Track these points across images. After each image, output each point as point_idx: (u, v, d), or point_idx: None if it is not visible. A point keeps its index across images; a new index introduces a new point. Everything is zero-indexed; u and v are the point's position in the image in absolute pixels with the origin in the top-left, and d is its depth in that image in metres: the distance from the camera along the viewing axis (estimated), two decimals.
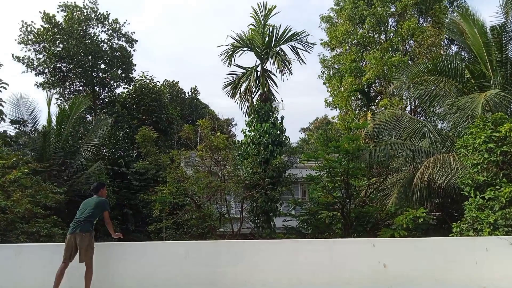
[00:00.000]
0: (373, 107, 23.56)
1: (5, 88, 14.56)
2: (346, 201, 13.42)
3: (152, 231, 15.38)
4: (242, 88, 16.12)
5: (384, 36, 25.02)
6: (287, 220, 14.51)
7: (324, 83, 26.63)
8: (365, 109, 23.70)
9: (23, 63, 26.33)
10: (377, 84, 25.10)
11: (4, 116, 15.98)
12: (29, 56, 26.49)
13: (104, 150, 27.24)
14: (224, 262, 6.37)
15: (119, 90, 29.71)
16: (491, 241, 6.37)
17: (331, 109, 26.46)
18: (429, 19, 24.66)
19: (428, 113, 18.94)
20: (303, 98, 77.70)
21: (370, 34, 24.77)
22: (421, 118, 21.05)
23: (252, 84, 15.81)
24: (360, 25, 24.84)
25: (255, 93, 16.14)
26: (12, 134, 17.64)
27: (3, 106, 15.60)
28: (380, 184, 13.94)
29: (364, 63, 24.83)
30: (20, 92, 17.72)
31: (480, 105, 9.80)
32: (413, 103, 23.20)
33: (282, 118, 16.09)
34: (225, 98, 76.83)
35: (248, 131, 15.65)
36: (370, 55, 22.83)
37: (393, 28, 24.74)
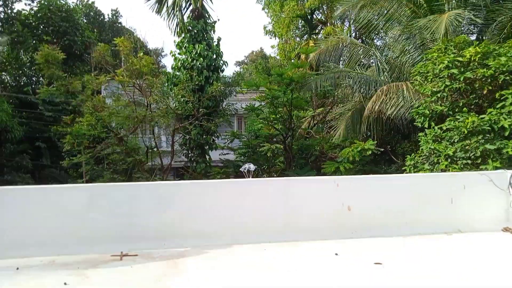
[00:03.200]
0: (314, 37, 22.05)
1: None
2: (288, 133, 12.30)
3: (68, 167, 13.27)
4: (170, 1, 13.41)
5: None
6: (224, 154, 13.16)
7: (263, 9, 24.37)
8: (306, 37, 22.11)
9: None
10: (319, 13, 23.42)
11: None
12: None
13: (8, 78, 23.18)
14: (144, 210, 4.78)
15: (19, 7, 24.61)
16: (469, 177, 5.54)
17: (270, 38, 24.62)
18: None
19: (372, 45, 18.07)
20: (238, 29, 73.91)
21: None
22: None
23: None
24: None
25: (185, 8, 13.62)
26: None
27: None
28: (326, 115, 12.96)
29: None
30: None
31: (443, 26, 8.72)
32: (355, 34, 22.11)
33: (219, 39, 13.95)
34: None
35: (179, 53, 13.37)
36: None
37: None
